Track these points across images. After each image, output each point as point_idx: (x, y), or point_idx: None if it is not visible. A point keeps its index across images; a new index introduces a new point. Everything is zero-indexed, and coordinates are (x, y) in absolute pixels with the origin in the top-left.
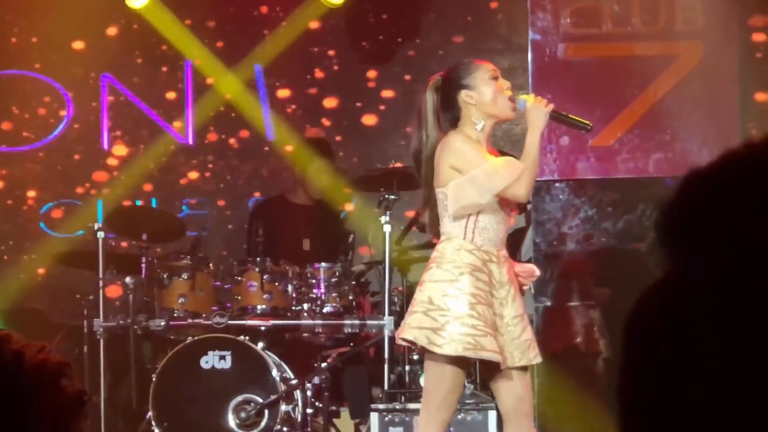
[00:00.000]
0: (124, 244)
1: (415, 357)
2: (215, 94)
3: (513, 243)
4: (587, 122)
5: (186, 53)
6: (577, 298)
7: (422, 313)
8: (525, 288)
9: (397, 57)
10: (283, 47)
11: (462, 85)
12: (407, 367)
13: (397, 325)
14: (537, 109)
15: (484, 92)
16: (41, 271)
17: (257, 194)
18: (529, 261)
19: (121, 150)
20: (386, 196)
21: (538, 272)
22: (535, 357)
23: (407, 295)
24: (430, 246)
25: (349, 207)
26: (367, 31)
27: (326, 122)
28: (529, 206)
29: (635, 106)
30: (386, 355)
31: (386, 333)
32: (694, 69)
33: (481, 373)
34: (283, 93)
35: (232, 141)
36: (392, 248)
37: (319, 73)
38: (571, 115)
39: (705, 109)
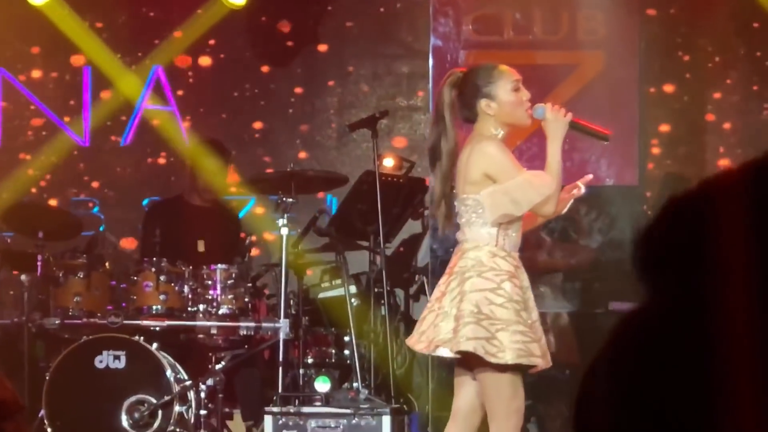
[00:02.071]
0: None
1: (310, 361)
2: (114, 95)
3: (410, 249)
4: (606, 133)
5: (87, 53)
6: None
7: (475, 324)
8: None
9: (296, 60)
10: (184, 48)
11: (483, 93)
12: (301, 371)
13: (292, 327)
14: (556, 120)
15: (504, 103)
16: None
17: (152, 195)
18: (425, 267)
19: (18, 148)
20: (284, 199)
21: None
22: (550, 359)
23: (303, 299)
24: (328, 249)
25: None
26: (265, 34)
27: (225, 125)
28: (426, 213)
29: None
30: (281, 358)
31: (281, 336)
32: (595, 78)
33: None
34: (182, 94)
35: (128, 141)
36: (289, 251)
37: (218, 75)
38: (590, 125)
39: (605, 119)
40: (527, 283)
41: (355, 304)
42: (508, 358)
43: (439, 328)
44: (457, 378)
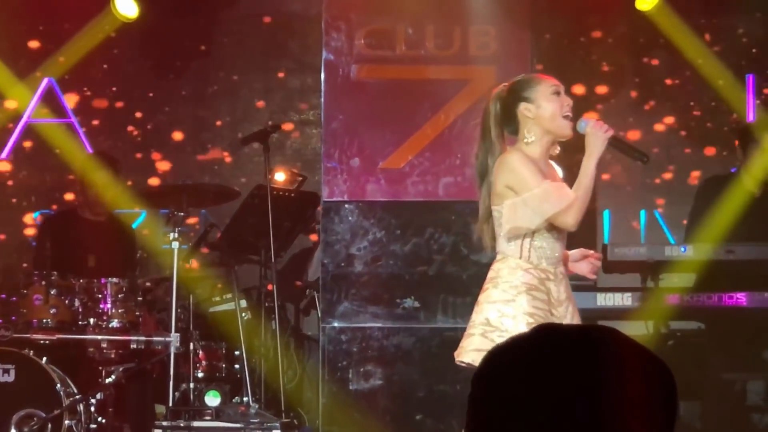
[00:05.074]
0: None
1: (200, 375)
2: (3, 106)
3: (301, 263)
4: (645, 154)
5: None
6: (364, 319)
7: (480, 335)
8: (596, 268)
9: (187, 73)
10: (76, 60)
11: (522, 97)
12: (192, 385)
13: (183, 342)
14: (595, 134)
15: (544, 107)
16: None
17: (42, 209)
18: (316, 281)
19: None
20: (175, 212)
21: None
22: None
23: (194, 313)
24: (220, 264)
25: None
26: (158, 47)
27: (114, 138)
28: (318, 226)
29: (426, 129)
30: (171, 372)
31: (172, 350)
32: (487, 94)
33: None
34: (75, 105)
35: (18, 152)
36: (180, 265)
37: (113, 87)
38: (629, 144)
39: None
40: (563, 296)
41: (245, 318)
42: None
43: (464, 337)
44: None
